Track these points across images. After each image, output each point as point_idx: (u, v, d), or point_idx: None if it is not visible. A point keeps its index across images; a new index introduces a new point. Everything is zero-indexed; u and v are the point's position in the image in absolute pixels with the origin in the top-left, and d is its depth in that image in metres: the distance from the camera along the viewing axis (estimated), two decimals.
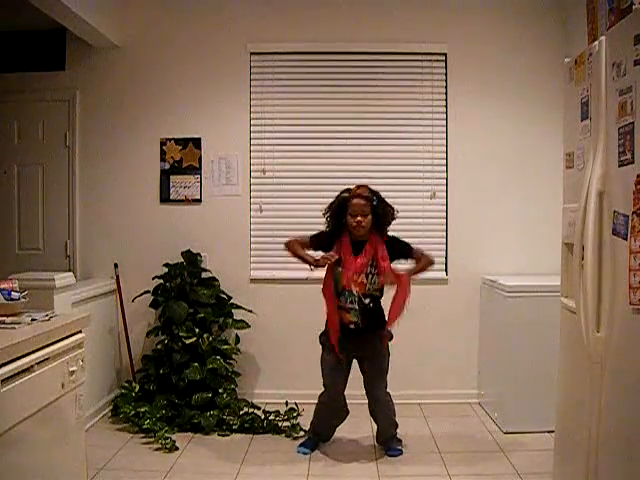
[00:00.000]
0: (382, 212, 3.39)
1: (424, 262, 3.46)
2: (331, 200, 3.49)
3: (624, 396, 2.15)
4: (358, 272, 3.35)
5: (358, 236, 3.39)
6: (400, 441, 3.64)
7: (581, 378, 2.47)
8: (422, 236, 4.53)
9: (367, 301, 3.39)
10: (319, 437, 3.67)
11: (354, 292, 3.36)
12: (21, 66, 4.58)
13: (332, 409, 3.61)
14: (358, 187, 3.42)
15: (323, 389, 3.59)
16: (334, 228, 3.45)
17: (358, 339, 3.43)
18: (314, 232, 3.52)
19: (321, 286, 3.47)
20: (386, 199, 3.46)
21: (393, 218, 3.46)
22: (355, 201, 3.35)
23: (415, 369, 4.48)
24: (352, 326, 3.40)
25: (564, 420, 2.73)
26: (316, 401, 3.64)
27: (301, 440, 3.70)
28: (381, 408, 3.58)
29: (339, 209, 3.41)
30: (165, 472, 3.29)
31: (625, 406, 2.14)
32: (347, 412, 3.68)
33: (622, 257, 2.13)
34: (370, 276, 3.37)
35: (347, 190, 3.44)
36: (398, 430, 3.65)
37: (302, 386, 4.08)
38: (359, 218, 3.33)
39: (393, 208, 3.46)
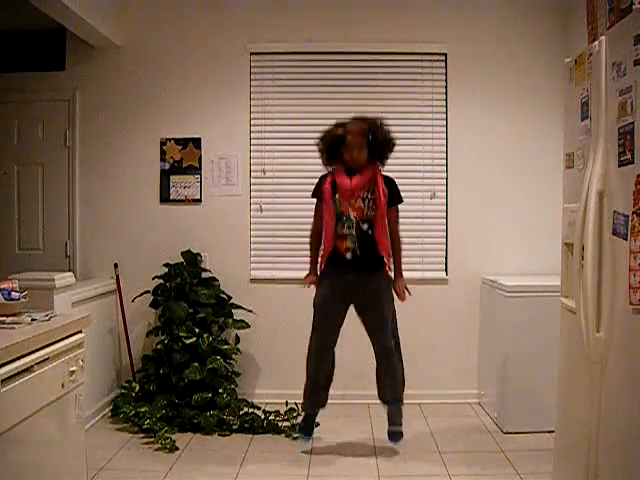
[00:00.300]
0: (378, 146, 3.39)
1: (397, 250, 3.53)
2: (323, 133, 3.51)
3: (624, 396, 2.15)
4: (354, 192, 3.35)
5: (353, 167, 3.41)
6: (401, 415, 3.59)
7: (581, 378, 2.47)
8: (422, 236, 4.55)
9: (365, 227, 3.39)
10: (313, 403, 3.58)
11: (352, 217, 3.37)
12: (21, 66, 4.58)
13: (321, 357, 3.52)
14: (352, 121, 3.42)
15: (311, 341, 3.52)
16: (330, 160, 3.48)
17: (355, 274, 3.38)
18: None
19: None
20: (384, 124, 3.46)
21: (391, 149, 3.47)
22: (350, 137, 3.36)
23: (415, 369, 4.46)
24: (348, 255, 3.38)
25: (564, 420, 2.73)
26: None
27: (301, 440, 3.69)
28: (387, 358, 3.50)
29: (333, 144, 3.42)
30: (165, 472, 3.29)
31: (625, 406, 2.14)
32: (333, 366, 3.58)
33: (622, 257, 2.13)
34: (367, 201, 3.38)
35: (341, 125, 3.44)
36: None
37: (302, 386, 4.08)
38: (354, 153, 3.35)
39: (391, 138, 3.46)
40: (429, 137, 4.56)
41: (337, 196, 3.41)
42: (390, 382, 3.56)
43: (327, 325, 3.49)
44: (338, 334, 3.52)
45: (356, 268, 3.40)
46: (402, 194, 4.47)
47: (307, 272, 3.59)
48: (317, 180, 3.60)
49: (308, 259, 3.62)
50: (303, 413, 3.67)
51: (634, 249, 2.05)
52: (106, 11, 4.30)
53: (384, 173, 3.53)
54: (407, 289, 3.56)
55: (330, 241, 3.42)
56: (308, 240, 3.64)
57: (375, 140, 3.38)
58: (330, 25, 4.51)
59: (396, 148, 4.45)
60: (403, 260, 4.28)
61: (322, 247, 3.50)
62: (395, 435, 3.55)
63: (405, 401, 4.30)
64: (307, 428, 3.59)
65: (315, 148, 4.49)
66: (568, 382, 2.67)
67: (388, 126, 3.49)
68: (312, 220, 3.60)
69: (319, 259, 3.53)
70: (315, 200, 3.58)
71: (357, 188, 3.38)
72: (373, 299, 3.46)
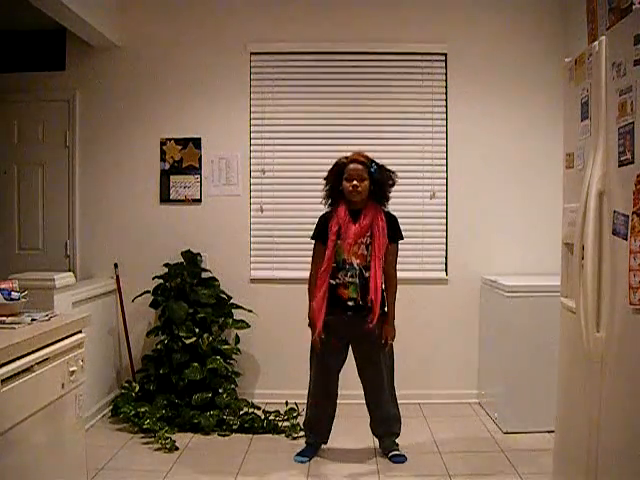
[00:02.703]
0: (380, 178, 3.32)
1: (392, 295, 3.43)
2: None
3: (624, 396, 2.15)
4: (357, 239, 3.28)
5: (355, 203, 3.32)
6: (397, 444, 3.53)
7: (581, 378, 2.47)
8: (422, 236, 4.55)
9: (367, 274, 3.30)
10: (316, 439, 3.56)
11: (355, 265, 3.30)
12: (21, 66, 4.58)
13: (323, 399, 3.47)
14: (355, 153, 3.39)
15: (311, 380, 3.48)
16: (331, 198, 3.40)
17: (354, 318, 3.31)
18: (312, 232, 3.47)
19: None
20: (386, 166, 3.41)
21: (392, 184, 3.40)
22: (352, 166, 3.30)
23: (415, 369, 4.47)
24: (350, 303, 3.31)
25: (564, 420, 2.73)
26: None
27: (301, 441, 3.67)
28: (382, 395, 3.44)
29: (336, 176, 3.35)
30: (165, 472, 3.29)
31: (625, 406, 2.14)
32: (335, 404, 3.53)
33: (622, 257, 2.13)
34: (370, 247, 3.31)
35: (345, 157, 3.39)
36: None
37: (302, 386, 4.06)
38: (355, 182, 3.27)
39: (392, 173, 3.39)
40: (429, 137, 4.56)
41: (339, 242, 3.31)
42: (382, 414, 3.50)
43: (329, 372, 3.44)
44: (338, 376, 3.47)
45: (356, 313, 3.33)
46: (402, 193, 4.52)
47: (309, 323, 3.40)
48: (318, 220, 3.45)
49: (308, 307, 3.41)
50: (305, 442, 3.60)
51: (634, 249, 2.05)
52: (106, 11, 4.30)
53: (387, 209, 3.44)
54: (392, 338, 3.43)
55: (324, 289, 3.30)
56: (307, 287, 3.43)
57: (376, 172, 3.31)
58: (330, 25, 4.51)
59: (396, 150, 4.53)
60: (403, 259, 4.27)
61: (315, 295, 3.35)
62: (399, 458, 3.44)
63: (405, 401, 4.31)
64: (307, 454, 3.49)
65: (315, 148, 4.55)
66: (568, 382, 2.67)
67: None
68: (310, 264, 3.42)
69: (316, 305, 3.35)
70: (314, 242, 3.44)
71: (363, 233, 3.29)
72: (371, 335, 3.35)
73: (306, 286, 3.45)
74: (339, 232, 3.32)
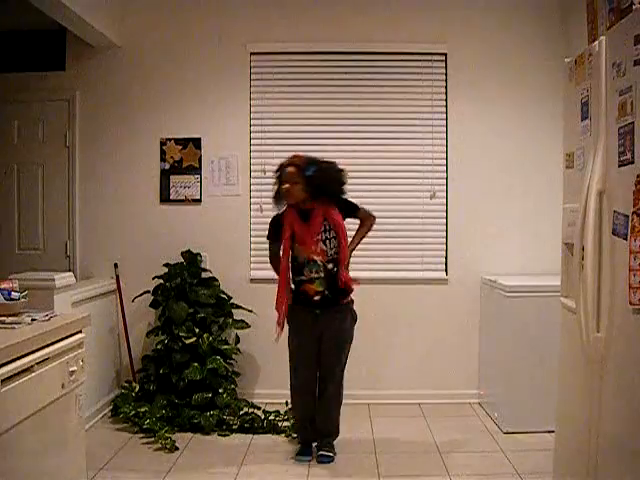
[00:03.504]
0: (318, 180, 3.36)
1: (366, 226, 3.54)
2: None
3: (624, 396, 2.15)
4: (313, 237, 3.36)
5: (302, 203, 3.39)
6: (333, 446, 3.52)
7: (581, 378, 2.47)
8: (422, 236, 4.55)
9: (330, 266, 3.40)
10: (304, 436, 3.56)
11: (317, 261, 3.38)
12: (21, 66, 4.58)
13: (305, 395, 3.52)
14: (293, 156, 3.45)
15: (291, 377, 3.55)
16: (279, 199, 3.48)
17: (323, 310, 3.41)
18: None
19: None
20: (336, 166, 3.45)
21: (341, 183, 3.45)
22: (286, 169, 3.39)
23: (415, 369, 4.48)
24: (317, 297, 3.39)
25: (564, 420, 2.73)
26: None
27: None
28: (327, 399, 3.49)
29: (278, 178, 3.46)
30: (165, 472, 3.29)
31: (625, 406, 2.14)
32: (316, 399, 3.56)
33: (622, 257, 2.13)
34: (328, 241, 3.39)
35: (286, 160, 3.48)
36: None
37: None
38: (287, 185, 3.36)
39: (339, 172, 3.44)
40: (429, 137, 4.56)
41: (296, 245, 3.41)
42: (327, 412, 3.51)
43: (307, 367, 3.51)
44: (317, 370, 3.52)
45: (324, 306, 3.41)
46: (402, 193, 4.52)
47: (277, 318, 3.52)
48: (270, 221, 3.55)
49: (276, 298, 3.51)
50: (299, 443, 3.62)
51: (634, 249, 2.05)
52: (106, 11, 4.30)
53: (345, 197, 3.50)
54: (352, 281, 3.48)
55: (285, 287, 3.43)
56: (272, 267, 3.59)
57: (312, 174, 3.34)
58: (330, 25, 4.51)
59: (396, 150, 4.52)
60: (404, 259, 4.29)
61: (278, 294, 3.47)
62: (325, 458, 3.45)
63: (405, 401, 4.32)
64: (308, 453, 3.51)
65: (315, 148, 4.53)
66: (568, 382, 2.67)
67: (332, 163, 3.48)
68: (270, 262, 3.59)
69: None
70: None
71: (316, 231, 3.38)
72: (336, 335, 3.46)
73: None
74: (293, 235, 3.40)
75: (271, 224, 3.55)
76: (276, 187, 3.48)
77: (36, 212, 4.60)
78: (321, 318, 3.42)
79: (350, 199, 3.52)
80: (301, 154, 3.49)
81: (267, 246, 4.52)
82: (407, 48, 4.52)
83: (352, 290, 3.48)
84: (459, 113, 4.51)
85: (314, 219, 3.39)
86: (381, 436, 3.81)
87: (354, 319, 3.52)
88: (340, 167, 3.48)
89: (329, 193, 3.43)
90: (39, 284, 3.28)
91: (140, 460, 3.45)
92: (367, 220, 3.55)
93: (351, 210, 3.49)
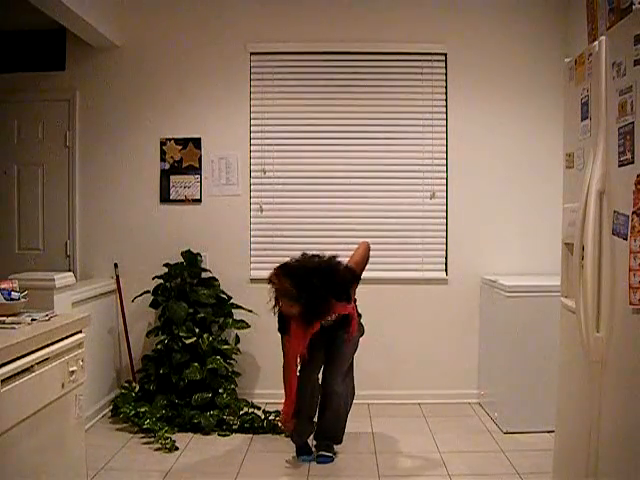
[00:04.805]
0: (315, 301, 3.21)
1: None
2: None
3: (624, 396, 2.15)
4: (305, 340, 3.35)
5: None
6: (332, 447, 3.51)
7: (581, 378, 2.47)
8: (422, 236, 4.55)
9: (330, 319, 3.40)
10: (300, 435, 3.54)
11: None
12: (21, 66, 4.58)
13: (306, 395, 3.53)
14: (280, 278, 3.24)
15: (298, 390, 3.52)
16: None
17: (331, 328, 3.43)
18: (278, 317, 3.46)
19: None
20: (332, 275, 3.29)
21: (344, 289, 3.34)
22: (282, 300, 3.27)
23: (415, 369, 4.48)
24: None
25: (564, 420, 2.73)
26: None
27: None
28: (333, 399, 3.46)
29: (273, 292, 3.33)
30: (165, 472, 3.29)
31: (625, 406, 2.14)
32: (317, 399, 3.57)
33: (622, 257, 2.13)
34: (329, 317, 3.38)
35: (276, 276, 3.30)
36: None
37: None
38: (286, 307, 3.28)
39: (341, 285, 3.31)
40: (429, 137, 4.55)
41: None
42: (328, 423, 3.49)
43: (311, 373, 3.53)
44: (319, 371, 3.55)
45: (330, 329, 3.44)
46: (402, 193, 4.52)
47: (283, 411, 3.52)
48: (279, 316, 3.41)
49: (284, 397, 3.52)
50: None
51: (634, 249, 2.05)
52: (106, 11, 4.30)
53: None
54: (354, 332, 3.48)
55: (290, 405, 3.44)
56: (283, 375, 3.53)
57: (308, 299, 3.20)
58: (330, 25, 4.51)
59: (396, 150, 4.51)
60: (403, 260, 4.28)
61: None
62: (325, 458, 3.45)
63: (405, 401, 4.32)
64: (309, 452, 3.50)
65: (314, 148, 4.55)
66: (568, 382, 2.67)
67: (325, 270, 3.29)
68: (285, 358, 3.51)
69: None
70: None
71: (309, 335, 3.35)
72: (340, 343, 3.46)
73: None
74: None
75: (280, 318, 3.43)
76: (274, 301, 3.33)
77: (36, 212, 4.60)
78: (328, 329, 3.43)
79: (346, 287, 3.36)
80: (286, 281, 3.21)
81: (267, 246, 4.58)
82: (407, 48, 4.51)
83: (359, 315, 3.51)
84: (459, 113, 4.51)
85: (313, 329, 3.34)
86: (381, 436, 3.81)
87: (361, 333, 3.56)
88: (332, 265, 3.32)
89: (325, 311, 3.31)
90: (39, 284, 3.28)
91: (140, 460, 3.45)
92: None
93: (348, 294, 3.40)
